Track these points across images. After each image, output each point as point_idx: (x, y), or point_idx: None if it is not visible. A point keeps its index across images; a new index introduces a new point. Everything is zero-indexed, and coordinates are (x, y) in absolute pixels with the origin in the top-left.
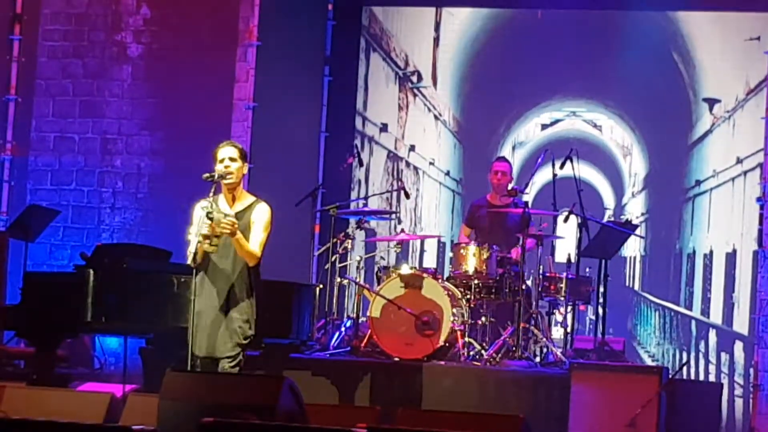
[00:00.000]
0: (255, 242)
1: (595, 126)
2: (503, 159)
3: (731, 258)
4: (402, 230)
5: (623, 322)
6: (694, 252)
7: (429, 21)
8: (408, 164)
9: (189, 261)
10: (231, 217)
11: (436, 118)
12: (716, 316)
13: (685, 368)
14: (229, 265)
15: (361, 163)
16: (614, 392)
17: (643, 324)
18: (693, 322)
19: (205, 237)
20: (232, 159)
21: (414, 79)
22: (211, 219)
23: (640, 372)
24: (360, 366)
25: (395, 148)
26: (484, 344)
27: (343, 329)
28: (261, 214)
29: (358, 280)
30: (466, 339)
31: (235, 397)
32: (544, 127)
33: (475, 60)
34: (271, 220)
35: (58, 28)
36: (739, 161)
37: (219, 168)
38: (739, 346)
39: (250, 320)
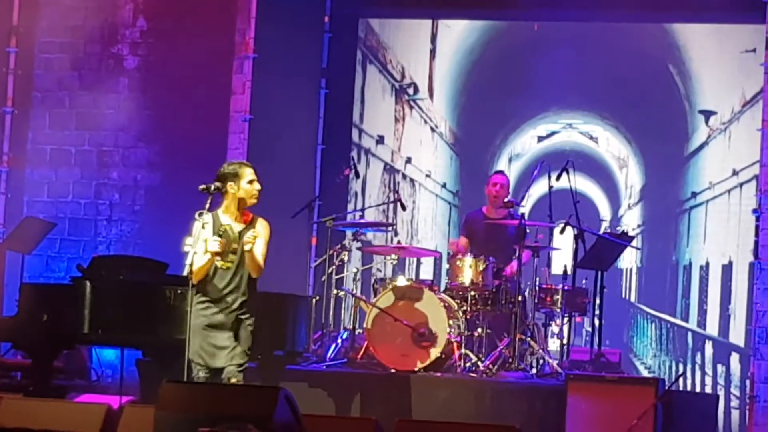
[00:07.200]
0: (260, 256)
1: (591, 138)
2: (502, 173)
3: (727, 270)
4: (399, 242)
5: (620, 333)
6: (690, 264)
7: (425, 33)
8: (404, 176)
9: (185, 273)
10: (251, 233)
11: (432, 130)
12: (712, 328)
13: (681, 380)
14: (237, 278)
15: (357, 175)
16: (610, 404)
17: (639, 335)
18: (689, 334)
19: (217, 254)
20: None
21: (410, 91)
22: (220, 235)
23: (637, 383)
24: (356, 377)
25: (392, 161)
26: (481, 356)
27: (339, 341)
28: (264, 230)
29: (354, 291)
30: (463, 350)
31: (232, 408)
32: (540, 139)
33: (471, 72)
34: (271, 235)
35: (55, 40)
36: (735, 173)
37: (246, 187)
38: (735, 358)
39: (253, 331)
